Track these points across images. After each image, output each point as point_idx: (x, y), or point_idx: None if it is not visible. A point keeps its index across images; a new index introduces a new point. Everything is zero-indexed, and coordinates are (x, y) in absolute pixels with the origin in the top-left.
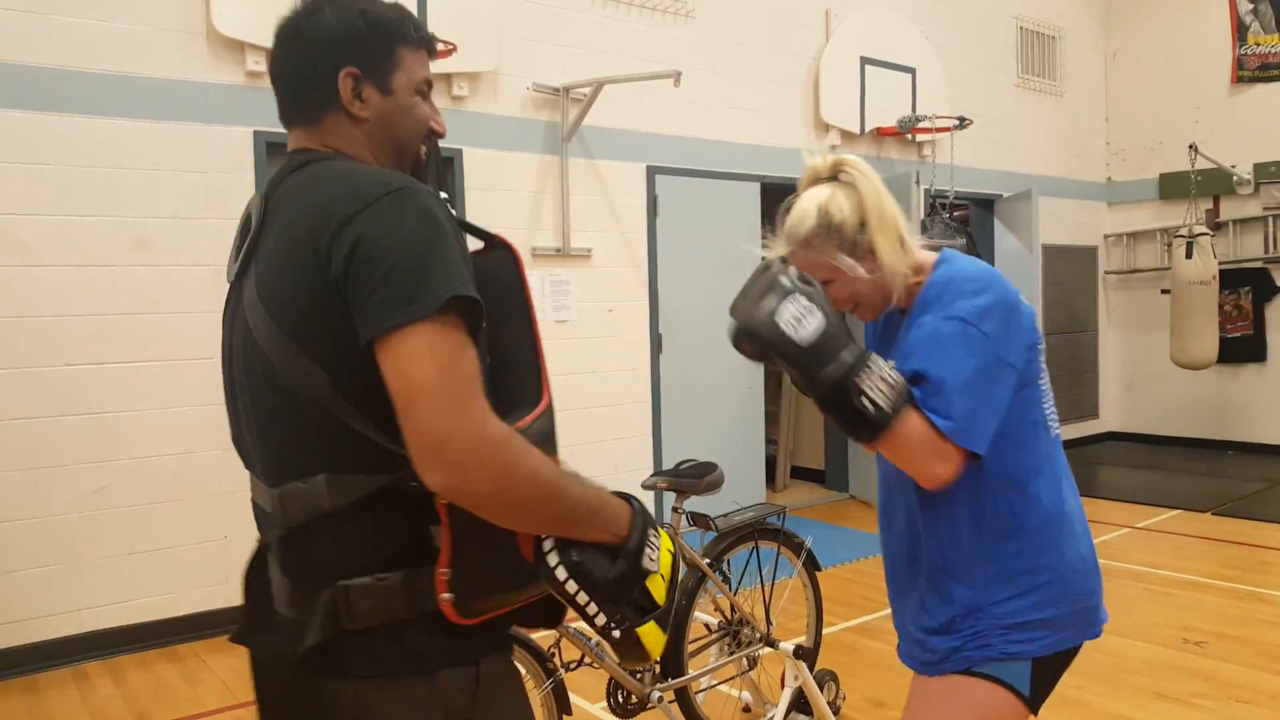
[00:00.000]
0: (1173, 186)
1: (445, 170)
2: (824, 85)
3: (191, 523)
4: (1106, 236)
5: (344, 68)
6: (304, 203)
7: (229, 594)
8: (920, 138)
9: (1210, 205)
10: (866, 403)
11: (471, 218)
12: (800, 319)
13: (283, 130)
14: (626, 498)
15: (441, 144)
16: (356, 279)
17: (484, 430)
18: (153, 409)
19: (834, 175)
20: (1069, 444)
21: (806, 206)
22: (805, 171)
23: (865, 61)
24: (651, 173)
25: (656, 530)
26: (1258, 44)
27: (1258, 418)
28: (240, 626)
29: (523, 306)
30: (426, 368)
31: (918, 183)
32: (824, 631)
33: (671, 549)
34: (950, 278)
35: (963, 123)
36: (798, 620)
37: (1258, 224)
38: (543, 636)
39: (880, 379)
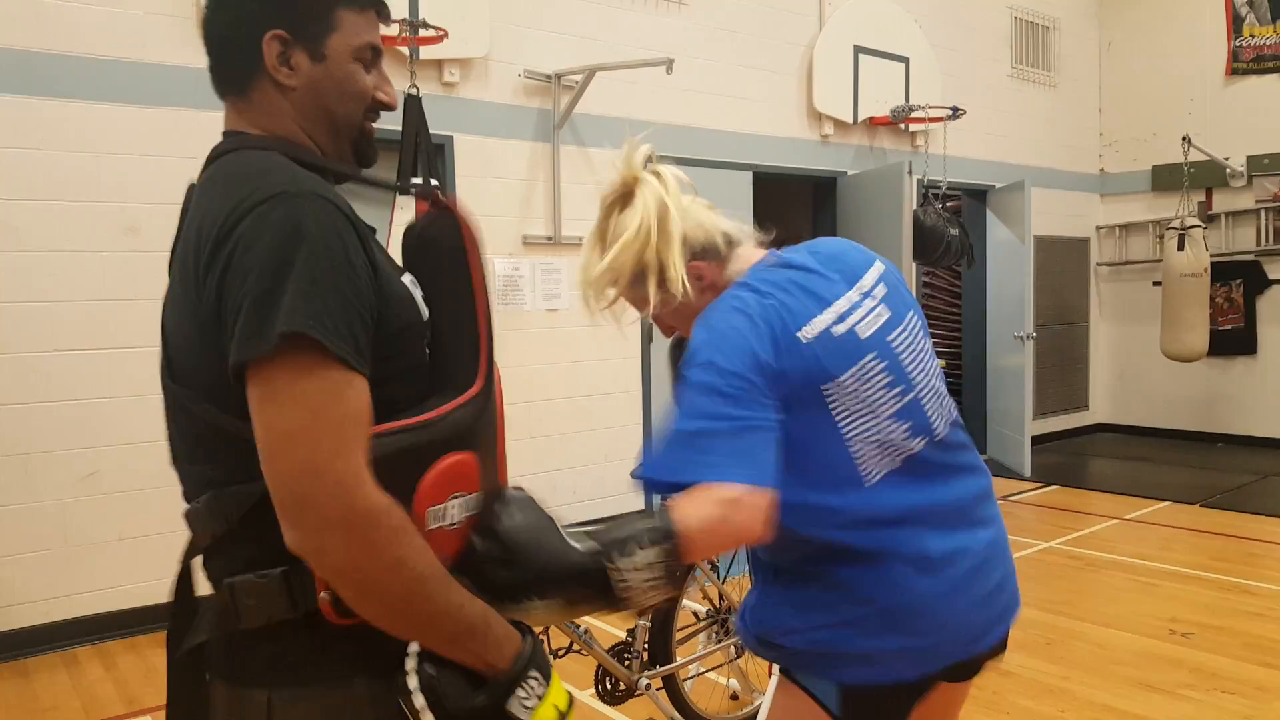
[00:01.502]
0: (1166, 179)
1: (436, 157)
2: (817, 74)
3: (181, 508)
4: (1099, 228)
5: (270, 30)
6: (201, 208)
7: None
8: (913, 127)
9: (1203, 197)
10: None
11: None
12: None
13: None
14: (524, 631)
15: (433, 131)
16: (224, 300)
17: (350, 497)
18: (142, 394)
19: (627, 193)
20: (1059, 435)
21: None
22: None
23: (859, 50)
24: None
25: (547, 678)
26: (1253, 35)
27: (1248, 410)
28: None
29: (464, 277)
30: (290, 413)
31: (910, 173)
32: None
33: (564, 706)
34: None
35: (956, 113)
36: None
37: (1250, 217)
38: None
39: (630, 575)
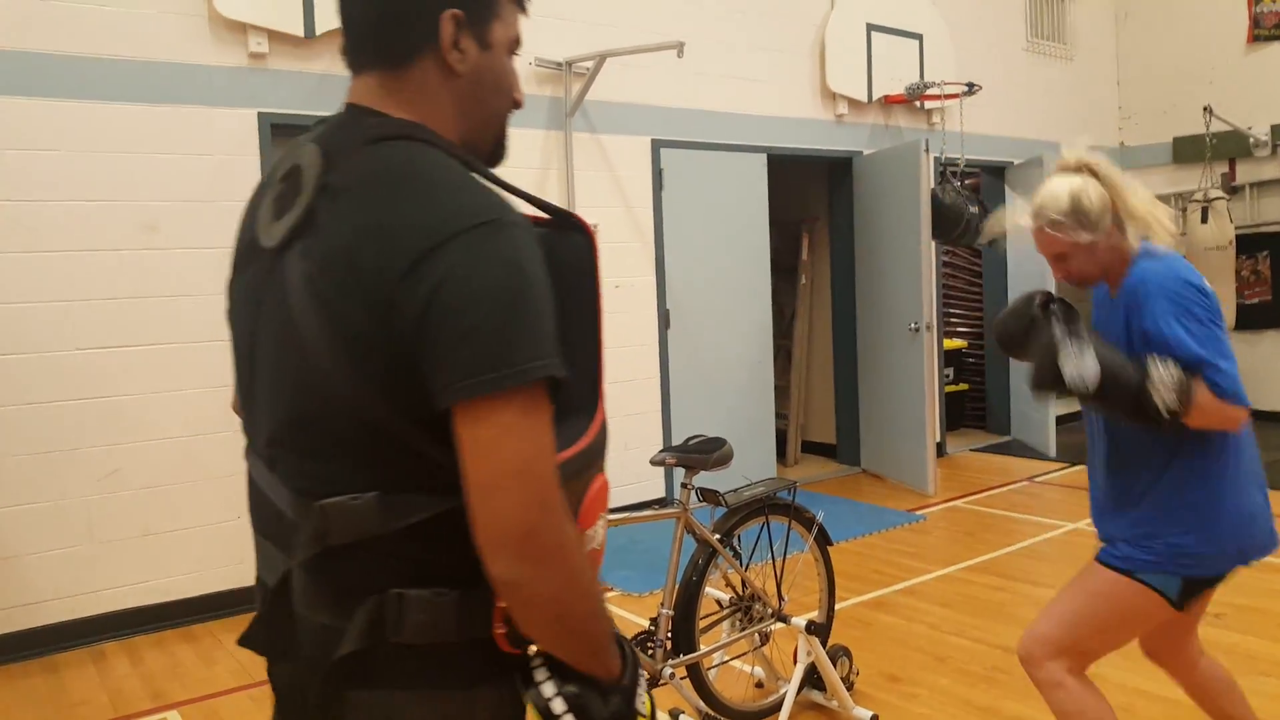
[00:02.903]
0: (1187, 150)
1: None
2: (830, 53)
3: (205, 504)
4: None
5: (448, 7)
6: (375, 204)
7: (244, 574)
8: (929, 105)
9: (1226, 168)
10: (1164, 411)
11: None
12: (1083, 372)
13: (287, 111)
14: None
15: None
16: (435, 329)
17: (566, 531)
18: (163, 391)
19: (1078, 169)
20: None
21: (1059, 191)
22: (1058, 162)
23: (871, 28)
24: (656, 146)
25: (643, 673)
26: (1275, 1)
27: (1278, 385)
28: (251, 632)
29: (592, 301)
30: (515, 450)
31: (927, 150)
32: (836, 607)
33: (650, 702)
34: (1162, 273)
35: (971, 89)
36: (810, 595)
37: (1275, 186)
38: None
39: (1162, 385)
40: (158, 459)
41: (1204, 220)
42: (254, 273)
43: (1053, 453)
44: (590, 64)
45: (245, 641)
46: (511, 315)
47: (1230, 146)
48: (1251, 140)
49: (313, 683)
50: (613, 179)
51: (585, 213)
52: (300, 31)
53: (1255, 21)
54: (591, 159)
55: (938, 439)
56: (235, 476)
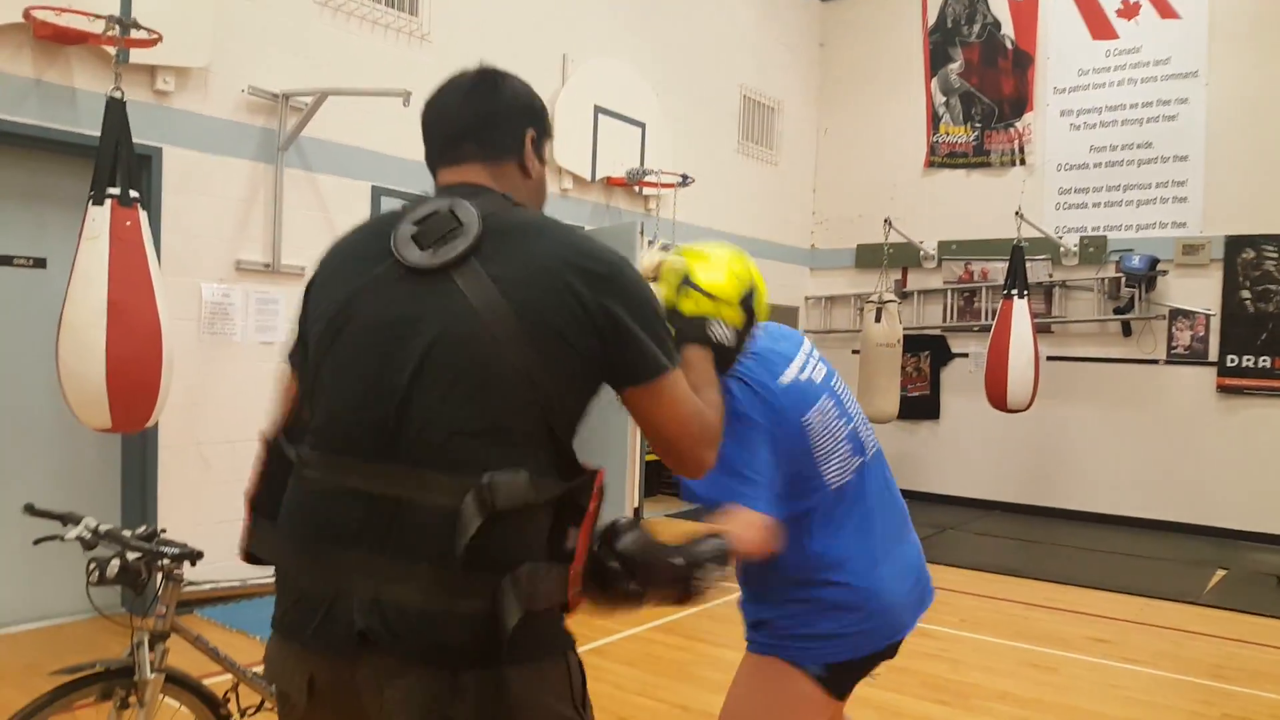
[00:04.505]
0: (868, 257)
1: (140, 168)
2: (558, 129)
3: None
4: (807, 298)
5: (530, 128)
6: (541, 245)
7: None
8: (647, 191)
9: (899, 275)
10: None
11: (171, 223)
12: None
13: None
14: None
15: (138, 141)
16: (622, 333)
17: (716, 424)
18: None
19: (654, 277)
20: None
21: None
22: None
23: (599, 110)
24: (377, 192)
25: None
26: (948, 133)
27: (932, 470)
28: (296, 627)
29: None
30: (692, 401)
31: (642, 233)
32: None
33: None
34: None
35: (685, 180)
36: None
37: (938, 295)
38: (217, 682)
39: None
40: None
41: (878, 320)
42: (402, 291)
43: None
44: (309, 99)
45: (283, 632)
46: (663, 320)
47: (904, 257)
48: (921, 253)
49: (412, 670)
50: (326, 220)
51: (293, 253)
52: None
53: (931, 149)
54: (304, 198)
55: (636, 505)
56: None
